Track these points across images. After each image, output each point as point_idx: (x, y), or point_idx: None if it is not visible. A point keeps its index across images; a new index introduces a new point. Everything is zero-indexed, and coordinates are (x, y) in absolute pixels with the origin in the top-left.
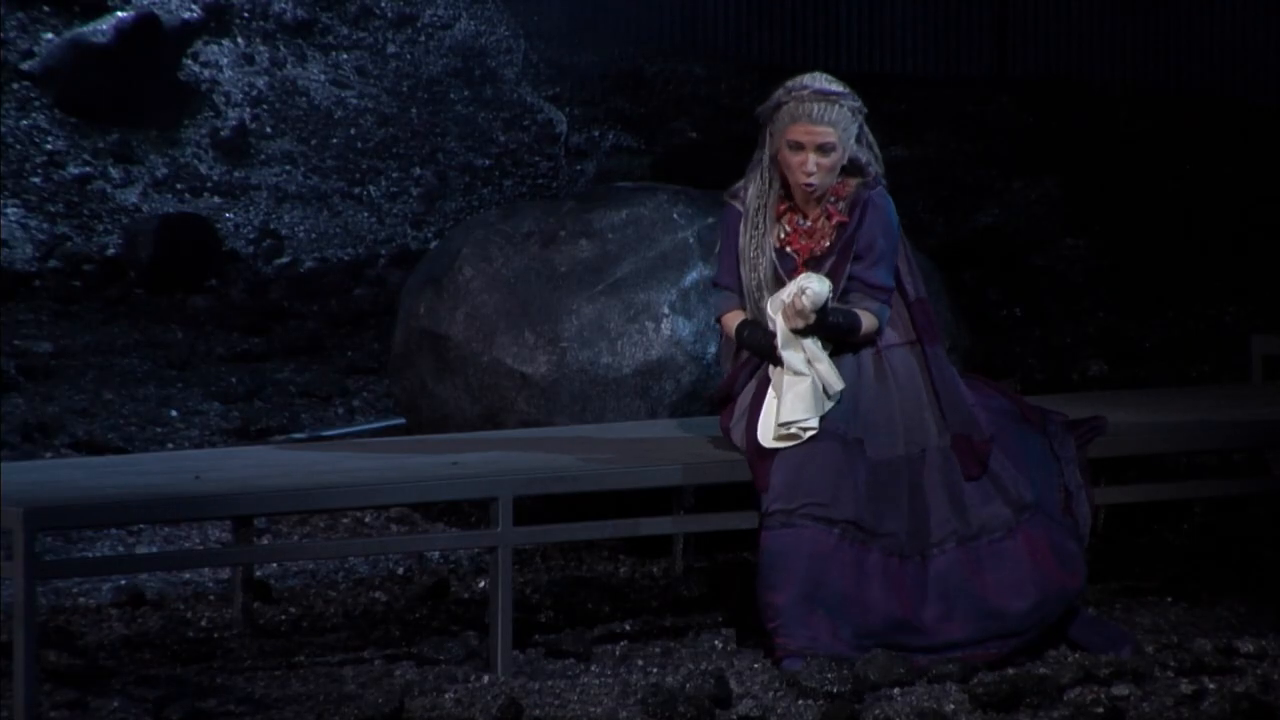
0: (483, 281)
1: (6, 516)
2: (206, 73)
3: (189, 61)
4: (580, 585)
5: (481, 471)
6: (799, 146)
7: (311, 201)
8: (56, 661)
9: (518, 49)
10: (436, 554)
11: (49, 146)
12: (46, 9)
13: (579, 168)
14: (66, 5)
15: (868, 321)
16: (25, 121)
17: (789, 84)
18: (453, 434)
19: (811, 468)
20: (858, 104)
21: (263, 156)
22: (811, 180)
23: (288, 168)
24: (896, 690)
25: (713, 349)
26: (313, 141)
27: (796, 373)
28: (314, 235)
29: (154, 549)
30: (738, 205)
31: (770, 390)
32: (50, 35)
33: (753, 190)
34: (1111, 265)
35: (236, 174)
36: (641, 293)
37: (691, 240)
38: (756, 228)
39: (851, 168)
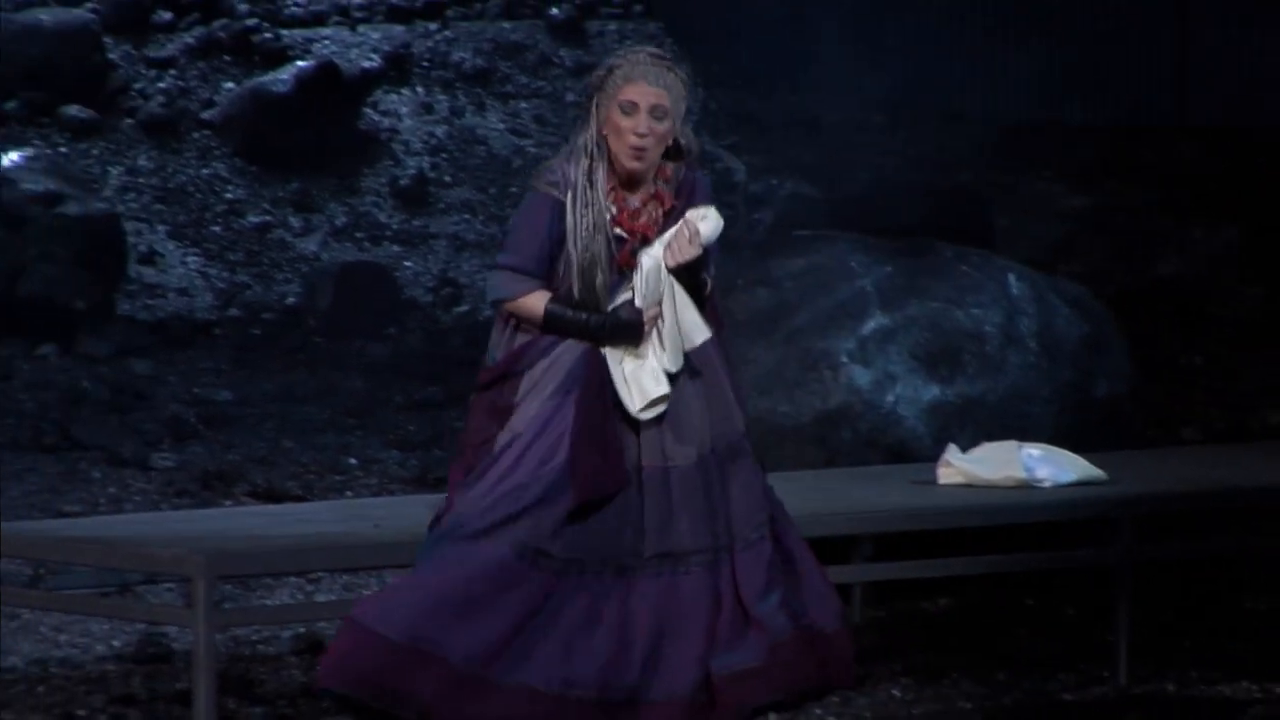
0: None
1: (187, 564)
2: (386, 121)
3: (368, 110)
4: None
5: None
6: (633, 108)
7: (490, 250)
8: (236, 709)
9: (696, 96)
10: None
11: (229, 195)
12: (227, 59)
13: (757, 216)
14: (247, 55)
15: (710, 286)
16: (206, 170)
17: (620, 51)
18: None
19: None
20: (688, 78)
21: (442, 205)
22: (642, 144)
23: (466, 216)
24: None
25: (890, 397)
26: (491, 190)
27: (638, 356)
28: None
29: (332, 597)
30: (555, 193)
31: (619, 364)
32: (231, 85)
33: (578, 169)
34: None
35: (415, 222)
36: (819, 341)
37: (869, 288)
38: (588, 205)
39: (673, 150)
